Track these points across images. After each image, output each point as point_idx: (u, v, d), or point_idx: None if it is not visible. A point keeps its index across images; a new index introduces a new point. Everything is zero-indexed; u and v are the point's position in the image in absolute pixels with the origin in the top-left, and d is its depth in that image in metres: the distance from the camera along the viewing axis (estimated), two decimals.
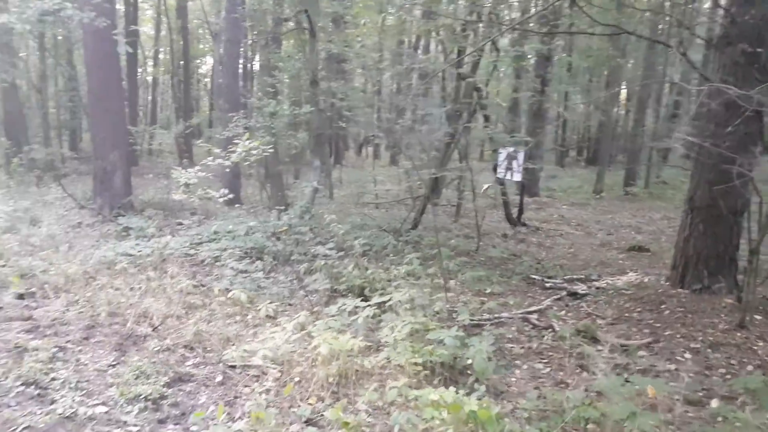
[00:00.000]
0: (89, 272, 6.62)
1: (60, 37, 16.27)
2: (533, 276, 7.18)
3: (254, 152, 5.52)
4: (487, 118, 9.81)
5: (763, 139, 5.11)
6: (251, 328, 5.11)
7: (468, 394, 3.40)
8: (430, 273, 6.41)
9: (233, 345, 4.64)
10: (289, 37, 8.97)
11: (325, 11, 9.92)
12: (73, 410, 3.54)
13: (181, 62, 21.22)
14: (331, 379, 3.93)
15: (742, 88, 4.55)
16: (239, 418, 3.50)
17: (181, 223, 9.84)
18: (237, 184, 12.23)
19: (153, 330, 5.05)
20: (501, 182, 10.36)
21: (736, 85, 4.75)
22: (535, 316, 5.73)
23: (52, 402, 3.66)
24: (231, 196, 6.95)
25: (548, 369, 4.64)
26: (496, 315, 5.68)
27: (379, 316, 5.01)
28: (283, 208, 9.71)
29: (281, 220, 8.72)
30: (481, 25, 8.41)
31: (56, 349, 4.49)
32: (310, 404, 3.65)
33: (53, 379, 3.97)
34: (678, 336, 5.06)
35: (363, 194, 11.37)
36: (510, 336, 5.31)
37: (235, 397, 3.88)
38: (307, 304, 5.75)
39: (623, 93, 21.29)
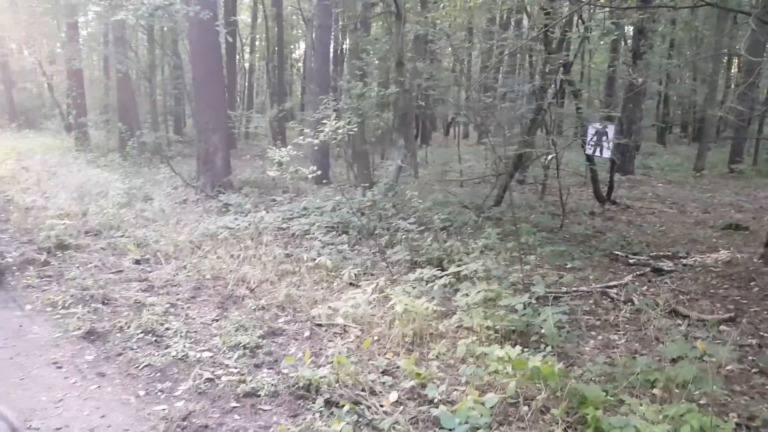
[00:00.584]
0: (195, 242, 7.33)
1: (166, 29, 17.53)
2: (617, 252, 7.09)
3: (340, 132, 5.88)
4: (575, 94, 9.63)
5: None
6: (336, 292, 5.53)
7: (534, 355, 3.58)
8: (509, 247, 6.54)
9: (319, 306, 5.06)
10: (377, 20, 9.22)
11: None
12: (184, 354, 4.09)
13: (276, 48, 22.16)
14: (406, 338, 4.24)
15: None
16: (323, 365, 3.89)
17: (274, 200, 10.51)
18: (326, 163, 12.78)
19: (250, 292, 5.60)
20: (590, 159, 10.16)
21: None
22: (614, 290, 5.72)
23: (167, 347, 4.24)
24: (319, 173, 7.40)
25: (623, 340, 4.67)
26: (574, 288, 5.74)
27: (455, 285, 5.25)
28: (368, 185, 10.11)
29: (366, 196, 9.11)
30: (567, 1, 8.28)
31: (168, 305, 5.12)
32: (387, 358, 3.98)
33: (167, 329, 4.58)
34: (765, 312, 4.91)
35: (447, 172, 11.54)
36: (587, 308, 5.37)
37: (320, 350, 4.29)
38: (387, 273, 6.09)
39: (732, 65, 19.84)
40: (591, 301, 5.50)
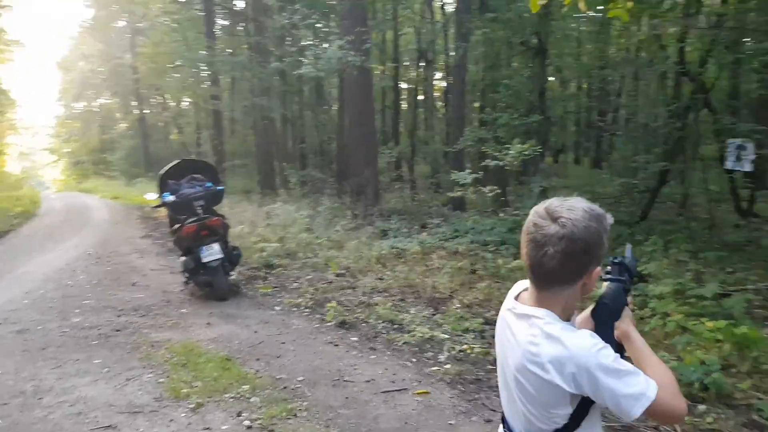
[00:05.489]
0: (380, 259, 8.57)
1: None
2: None
3: (525, 154, 6.87)
4: (713, 111, 10.07)
5: None
6: None
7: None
8: (671, 253, 7.18)
9: None
10: (517, 58, 10.29)
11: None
12: (430, 336, 5.17)
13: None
14: None
15: None
16: None
17: (425, 225, 11.67)
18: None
19: (449, 294, 6.66)
20: (728, 172, 10.49)
21: None
22: None
23: (410, 332, 5.35)
24: (499, 192, 8.43)
25: None
26: (742, 287, 6.30)
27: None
28: (504, 209, 11.02)
29: (510, 217, 10.00)
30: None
31: (391, 304, 6.29)
32: None
33: (401, 319, 5.71)
34: None
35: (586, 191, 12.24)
36: (757, 303, 5.92)
37: None
38: None
39: None
40: (761, 296, 6.05)
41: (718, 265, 7.09)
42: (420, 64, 24.25)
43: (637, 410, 1.25)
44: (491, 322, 5.61)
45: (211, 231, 6.83)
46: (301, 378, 4.44)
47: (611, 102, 18.84)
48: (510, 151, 6.78)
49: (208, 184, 7.00)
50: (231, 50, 20.47)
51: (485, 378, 4.26)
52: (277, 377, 4.48)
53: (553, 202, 1.34)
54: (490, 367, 4.47)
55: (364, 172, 12.52)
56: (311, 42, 18.24)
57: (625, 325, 1.41)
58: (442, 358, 4.69)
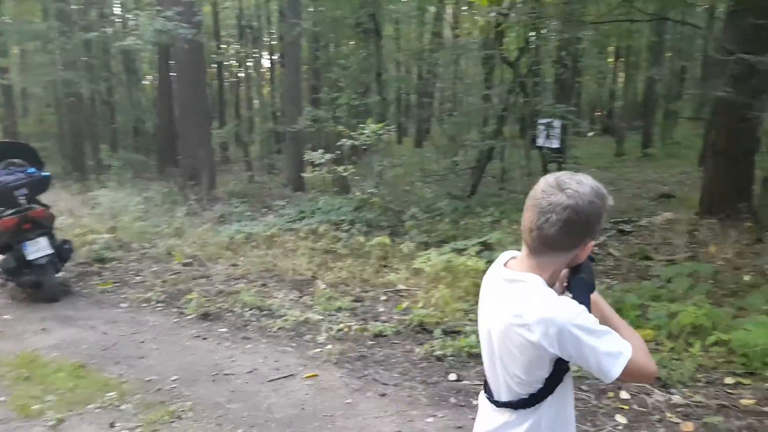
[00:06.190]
0: (228, 245, 8.19)
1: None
2: None
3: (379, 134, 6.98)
4: (527, 94, 11.25)
5: None
6: (380, 269, 6.67)
7: None
8: (504, 223, 7.94)
9: (380, 278, 6.20)
10: (351, 37, 10.38)
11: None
12: (303, 318, 5.11)
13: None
14: (468, 289, 5.48)
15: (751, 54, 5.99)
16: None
17: (268, 208, 11.39)
18: (300, 171, 13.78)
19: (312, 276, 6.62)
20: (539, 149, 11.83)
21: (746, 51, 6.17)
22: (596, 248, 7.25)
23: (281, 316, 5.23)
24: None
25: (615, 282, 6.15)
26: None
27: (483, 251, 6.56)
28: (339, 189, 11.26)
29: (357, 195, 10.21)
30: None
31: (255, 290, 6.07)
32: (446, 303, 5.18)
33: (270, 305, 5.55)
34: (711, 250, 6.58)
35: (413, 172, 12.88)
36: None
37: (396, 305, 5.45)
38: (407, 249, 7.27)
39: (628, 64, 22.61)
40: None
41: None
42: (242, 40, 23.34)
43: (617, 369, 1.36)
44: (360, 299, 5.72)
45: (36, 224, 5.94)
46: (174, 377, 4.12)
47: (438, 85, 20.11)
48: (365, 131, 6.90)
49: (31, 170, 6.05)
50: (21, 15, 17.71)
51: (369, 354, 4.35)
52: (147, 379, 4.10)
53: (564, 175, 1.41)
54: (371, 342, 4.57)
55: (197, 154, 11.79)
56: (121, 11, 16.46)
57: (595, 296, 1.55)
58: (321, 339, 4.68)
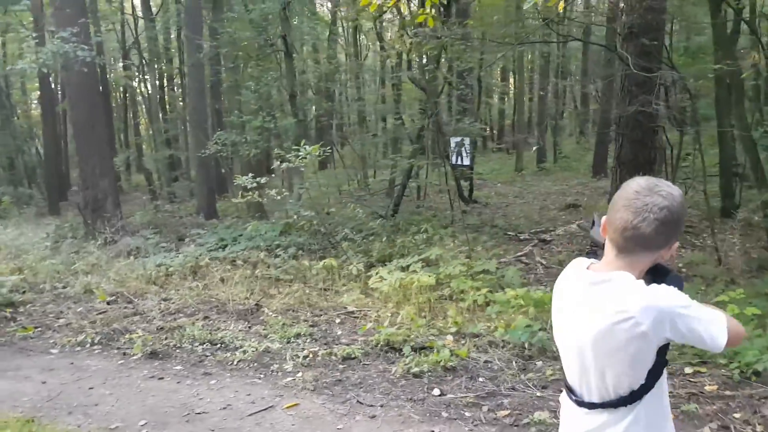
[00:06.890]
0: (150, 279, 7.75)
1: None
2: (509, 233, 9.17)
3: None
4: (434, 114, 11.73)
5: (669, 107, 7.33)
6: (330, 292, 6.63)
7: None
8: (436, 239, 8.18)
9: (327, 301, 6.17)
10: (261, 59, 10.25)
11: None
12: (263, 348, 4.96)
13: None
14: (422, 305, 5.61)
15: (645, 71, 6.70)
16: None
17: (182, 238, 10.87)
18: (212, 198, 13.33)
19: (255, 304, 6.43)
20: (453, 167, 12.33)
21: (641, 69, 6.88)
22: (525, 258, 7.69)
23: (238, 348, 5.04)
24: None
25: (548, 289, 6.56)
26: (501, 260, 7.58)
27: (425, 267, 6.73)
28: (258, 214, 11.09)
29: (281, 219, 10.06)
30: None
31: (201, 324, 5.79)
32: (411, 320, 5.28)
33: (221, 338, 5.32)
34: None
35: (341, 191, 12.91)
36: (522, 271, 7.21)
37: (355, 326, 5.44)
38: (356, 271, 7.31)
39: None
40: (515, 267, 7.37)
41: (473, 244, 8.35)
42: (127, 61, 22.23)
43: (725, 334, 1.48)
44: (315, 324, 5.65)
45: None
46: (143, 422, 3.85)
47: (347, 106, 20.34)
48: (299, 153, 6.85)
49: None
50: None
51: (344, 378, 4.32)
52: (111, 427, 3.80)
53: (650, 179, 1.52)
54: (342, 366, 4.54)
55: (99, 184, 11.02)
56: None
57: None
58: (288, 367, 4.57)
